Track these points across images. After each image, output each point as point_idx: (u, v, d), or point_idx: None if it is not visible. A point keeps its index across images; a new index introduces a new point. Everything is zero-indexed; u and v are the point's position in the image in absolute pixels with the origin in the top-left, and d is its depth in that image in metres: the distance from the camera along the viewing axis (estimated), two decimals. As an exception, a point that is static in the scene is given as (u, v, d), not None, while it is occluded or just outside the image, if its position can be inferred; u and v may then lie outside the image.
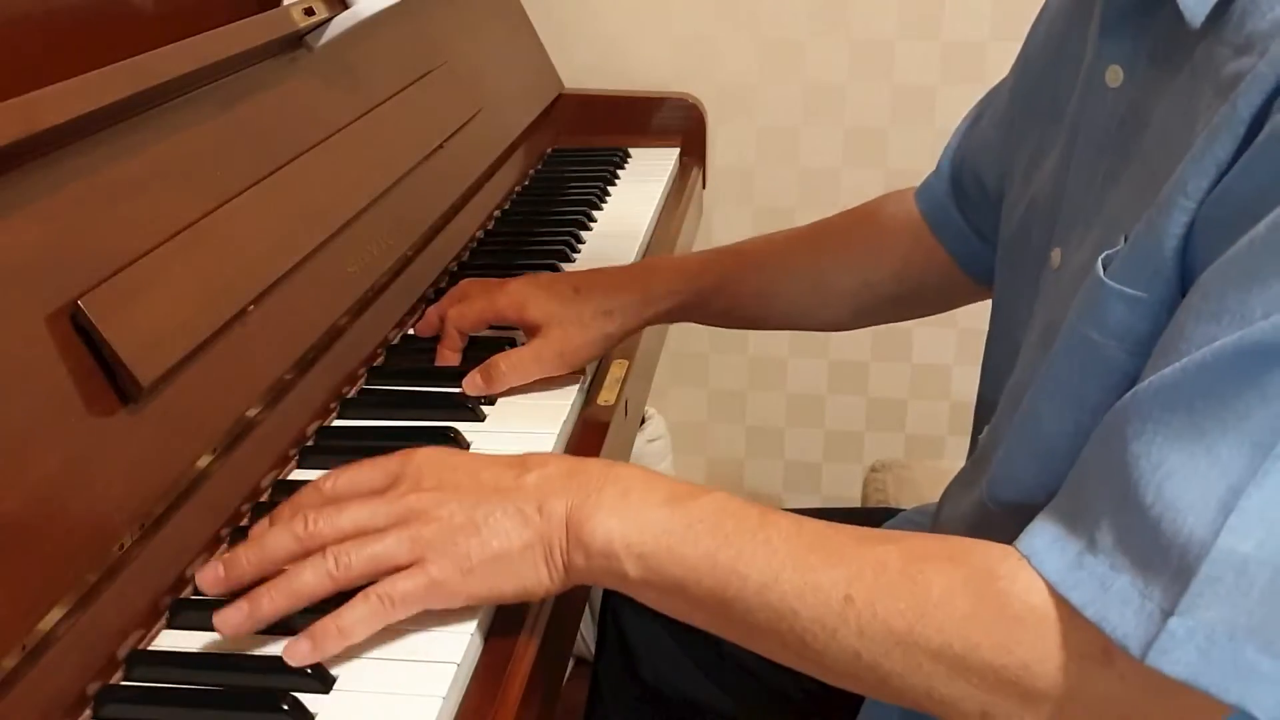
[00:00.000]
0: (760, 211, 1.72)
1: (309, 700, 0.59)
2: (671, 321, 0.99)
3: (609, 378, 0.95)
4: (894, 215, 1.00)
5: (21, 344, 0.61)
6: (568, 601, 0.72)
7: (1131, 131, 0.64)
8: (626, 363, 0.98)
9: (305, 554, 0.62)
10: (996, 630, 0.54)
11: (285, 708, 0.58)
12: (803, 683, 0.95)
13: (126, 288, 0.68)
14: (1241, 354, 0.50)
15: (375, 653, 0.62)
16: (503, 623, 0.66)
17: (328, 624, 0.60)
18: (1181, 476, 0.51)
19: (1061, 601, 0.53)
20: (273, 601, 0.61)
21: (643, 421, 1.72)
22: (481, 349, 0.94)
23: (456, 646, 0.62)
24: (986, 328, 0.85)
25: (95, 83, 0.69)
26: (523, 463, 0.65)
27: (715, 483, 1.87)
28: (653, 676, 0.99)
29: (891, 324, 1.74)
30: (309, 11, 0.96)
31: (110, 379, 0.65)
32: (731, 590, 0.60)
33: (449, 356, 0.94)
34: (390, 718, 0.58)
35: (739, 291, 0.97)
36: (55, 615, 0.58)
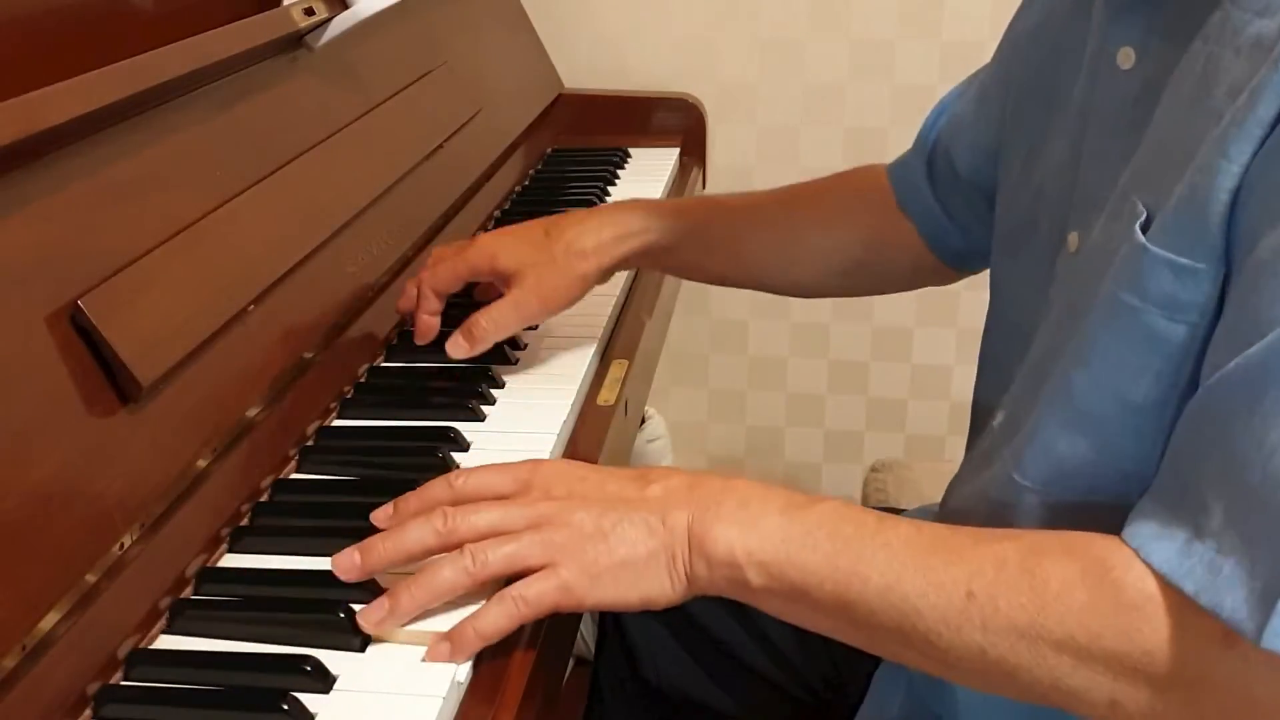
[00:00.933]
0: (760, 211, 1.72)
1: (309, 700, 0.59)
2: (644, 264, 0.99)
3: (609, 378, 0.95)
4: (867, 185, 1.01)
5: (21, 344, 0.61)
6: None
7: (1145, 109, 0.64)
8: (626, 363, 0.98)
9: (442, 549, 0.64)
10: (1116, 619, 0.55)
11: (285, 708, 0.58)
12: (803, 681, 0.95)
13: (126, 288, 0.68)
14: None
15: (375, 652, 0.62)
16: (503, 623, 0.66)
17: (465, 628, 0.62)
18: None
19: (1175, 589, 0.54)
20: (413, 598, 0.63)
21: (643, 421, 1.72)
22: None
23: (456, 646, 0.62)
24: (986, 326, 0.85)
25: (95, 83, 0.69)
26: (645, 476, 0.68)
27: (715, 483, 1.87)
28: (653, 676, 0.99)
29: (892, 324, 1.75)
30: (309, 11, 0.96)
31: (110, 379, 0.65)
32: (854, 593, 0.61)
33: (427, 322, 0.93)
34: (390, 718, 0.58)
35: (710, 239, 0.98)
36: (55, 615, 0.58)
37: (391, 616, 0.63)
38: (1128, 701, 0.56)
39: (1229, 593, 0.52)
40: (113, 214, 0.70)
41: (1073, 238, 0.70)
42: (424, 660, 0.62)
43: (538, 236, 0.93)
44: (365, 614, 0.63)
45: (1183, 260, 0.58)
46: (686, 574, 0.64)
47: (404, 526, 0.66)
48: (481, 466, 0.69)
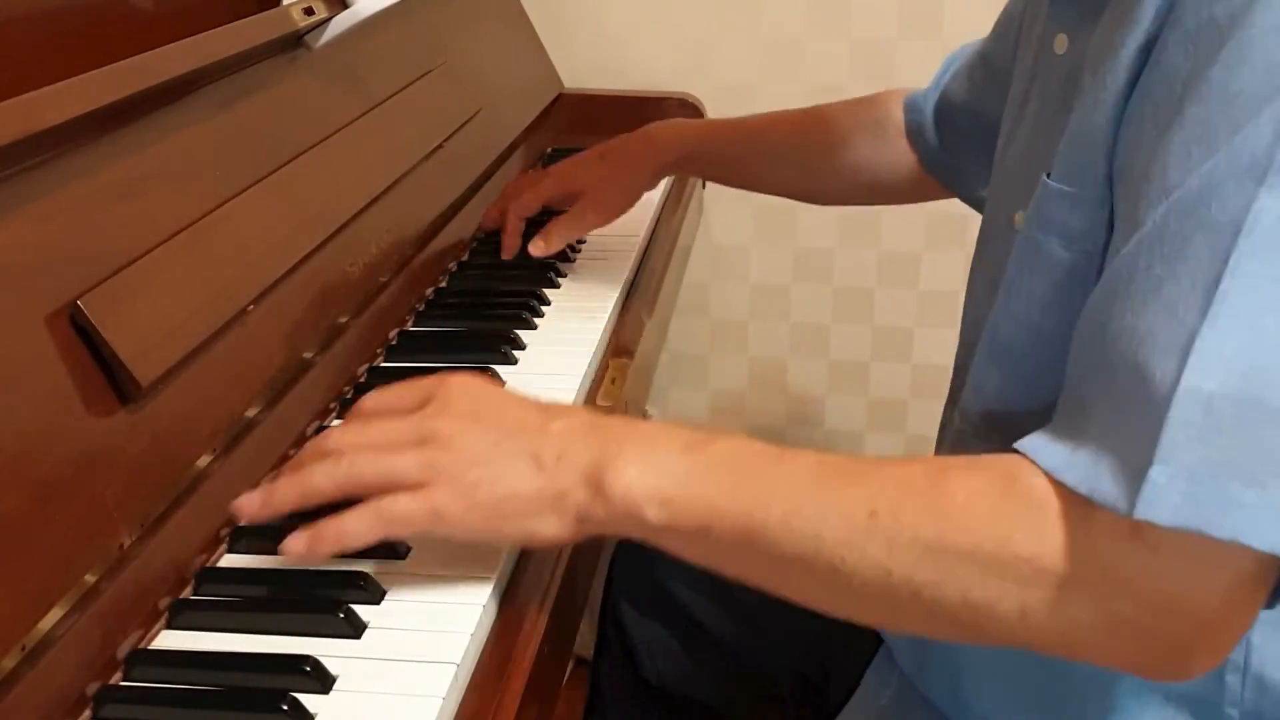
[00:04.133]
0: (760, 211, 1.72)
1: (309, 700, 0.59)
2: (680, 173, 1.25)
3: (609, 378, 0.95)
4: (881, 112, 1.13)
5: (21, 344, 0.61)
6: (569, 601, 0.72)
7: (1072, 89, 0.66)
8: (626, 363, 0.98)
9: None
10: (1026, 520, 0.54)
11: (285, 708, 0.58)
12: (800, 678, 0.95)
13: (126, 288, 0.68)
14: (1183, 208, 0.53)
15: (375, 653, 0.62)
16: (503, 623, 0.66)
17: (328, 525, 0.62)
18: (1150, 339, 0.52)
19: (1065, 487, 0.54)
20: (285, 494, 0.64)
21: (643, 421, 1.71)
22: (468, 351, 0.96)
23: (456, 646, 0.62)
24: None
25: (95, 83, 0.69)
26: (550, 410, 0.66)
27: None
28: (653, 676, 0.99)
29: (892, 324, 1.75)
30: (309, 11, 0.96)
31: (110, 379, 0.65)
32: (756, 524, 0.59)
33: (513, 242, 1.14)
34: (390, 718, 0.58)
35: (733, 155, 1.18)
36: (55, 615, 0.58)
37: (265, 507, 0.64)
38: (1039, 608, 0.54)
39: (1107, 479, 0.52)
40: (113, 214, 0.70)
41: (1019, 216, 0.71)
42: (280, 551, 0.63)
43: (594, 161, 1.17)
44: (237, 502, 0.65)
45: (1071, 189, 0.62)
46: (576, 514, 0.62)
47: (304, 458, 0.66)
48: (391, 385, 0.69)
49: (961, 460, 0.59)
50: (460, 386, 0.67)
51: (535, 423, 0.64)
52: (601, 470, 0.61)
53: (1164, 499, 0.50)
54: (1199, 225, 0.52)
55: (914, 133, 1.09)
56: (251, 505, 0.65)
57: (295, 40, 0.97)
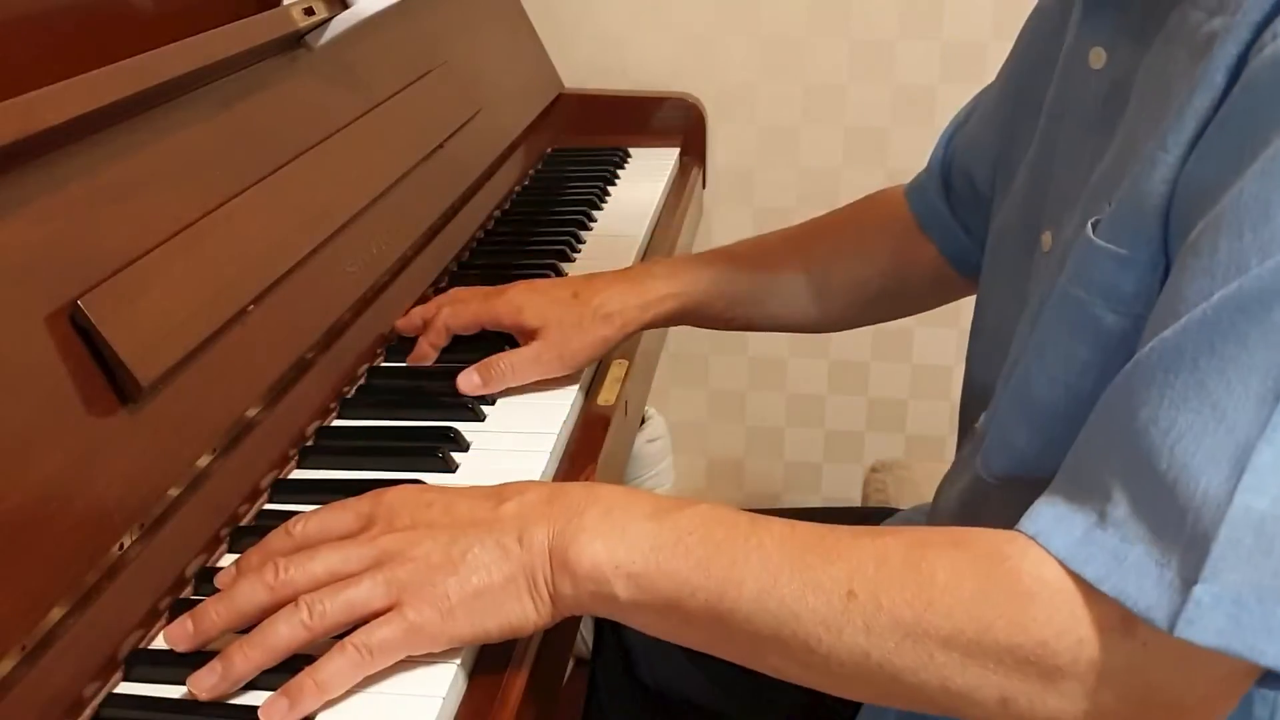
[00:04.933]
0: (760, 211, 1.72)
1: (309, 700, 0.59)
2: (669, 325, 1.00)
3: (609, 378, 0.95)
4: (884, 213, 1.00)
5: (21, 344, 0.61)
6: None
7: (1115, 108, 0.65)
8: (626, 363, 0.98)
9: (277, 604, 0.60)
10: (1009, 608, 0.52)
11: (285, 708, 0.58)
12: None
13: (126, 288, 0.68)
14: (1240, 305, 0.50)
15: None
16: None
17: (305, 680, 0.57)
18: (1192, 438, 0.50)
19: (1075, 576, 0.52)
20: (247, 659, 0.58)
21: (643, 421, 1.72)
22: (473, 352, 0.94)
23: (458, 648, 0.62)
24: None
25: (95, 83, 0.69)
26: (499, 493, 0.63)
27: (715, 483, 1.87)
28: (651, 676, 0.99)
29: (892, 324, 1.75)
30: (309, 11, 0.96)
31: (110, 379, 0.65)
32: (728, 601, 0.57)
33: (427, 352, 0.93)
34: (390, 718, 0.58)
35: (734, 295, 0.98)
36: (55, 615, 0.58)
37: (224, 681, 0.58)
38: (1019, 697, 0.53)
39: (1135, 581, 0.50)
40: (113, 214, 0.70)
41: (1046, 237, 0.70)
42: (260, 716, 0.57)
43: (565, 297, 0.94)
44: (195, 679, 0.58)
45: (1122, 251, 0.59)
46: (550, 594, 0.60)
47: (235, 585, 0.61)
48: (322, 507, 0.65)
49: (942, 536, 0.57)
50: (398, 496, 0.64)
51: (486, 510, 0.62)
52: (565, 545, 0.60)
53: (1207, 620, 0.48)
54: (1257, 326, 0.49)
55: (928, 220, 0.97)
56: (209, 680, 0.58)
57: (295, 40, 0.97)
